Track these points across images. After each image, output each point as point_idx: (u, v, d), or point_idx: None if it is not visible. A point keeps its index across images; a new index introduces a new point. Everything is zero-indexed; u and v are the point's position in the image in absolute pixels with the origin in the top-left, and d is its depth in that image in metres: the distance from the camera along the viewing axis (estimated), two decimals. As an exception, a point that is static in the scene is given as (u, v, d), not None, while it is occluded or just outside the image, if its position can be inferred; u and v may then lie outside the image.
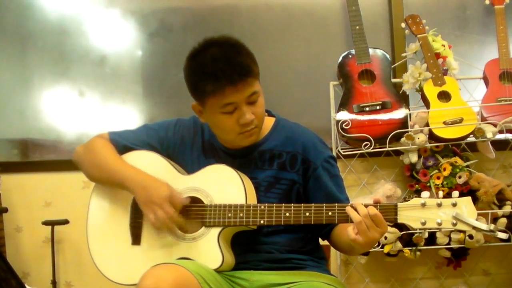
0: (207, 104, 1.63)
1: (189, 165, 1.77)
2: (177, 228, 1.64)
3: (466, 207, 1.45)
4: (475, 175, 2.52)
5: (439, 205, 1.46)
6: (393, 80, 2.65)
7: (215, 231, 1.63)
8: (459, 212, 1.44)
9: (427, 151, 2.56)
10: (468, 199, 1.47)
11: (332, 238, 1.74)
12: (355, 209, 1.50)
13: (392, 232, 2.42)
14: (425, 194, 1.50)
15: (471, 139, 2.48)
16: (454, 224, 1.44)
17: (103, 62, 2.92)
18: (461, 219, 1.43)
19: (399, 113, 2.51)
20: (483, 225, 1.41)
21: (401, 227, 2.42)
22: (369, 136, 2.45)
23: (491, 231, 1.41)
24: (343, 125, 2.48)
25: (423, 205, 1.47)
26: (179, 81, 2.80)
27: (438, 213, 1.46)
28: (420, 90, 2.55)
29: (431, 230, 2.39)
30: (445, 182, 2.49)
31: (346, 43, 2.80)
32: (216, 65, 1.58)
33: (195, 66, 1.63)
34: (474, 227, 1.42)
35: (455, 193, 1.48)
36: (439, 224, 1.45)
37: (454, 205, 1.45)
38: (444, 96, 2.49)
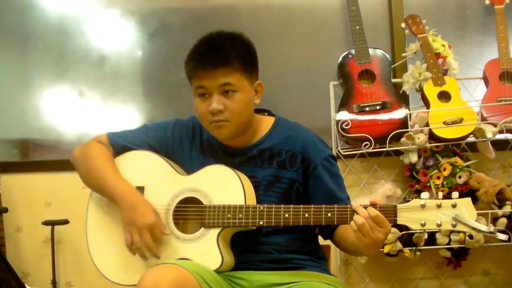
0: (191, 85, 1.70)
1: (188, 165, 1.77)
2: (150, 257, 1.64)
3: (466, 208, 1.44)
4: (475, 175, 2.52)
5: (439, 206, 1.46)
6: (393, 80, 2.65)
7: (215, 232, 1.63)
8: (459, 213, 1.44)
9: (427, 151, 2.55)
10: (468, 200, 1.46)
11: (336, 238, 1.74)
12: (355, 212, 1.50)
13: (392, 232, 2.41)
14: (424, 195, 1.50)
15: (471, 139, 2.48)
16: (454, 226, 1.44)
17: (103, 62, 2.92)
18: (461, 220, 1.43)
19: (399, 113, 2.51)
20: (483, 227, 1.40)
21: (401, 227, 2.41)
22: (369, 136, 2.44)
23: (490, 232, 1.40)
24: (343, 125, 2.48)
25: (423, 206, 1.47)
26: (179, 81, 2.84)
27: (438, 214, 1.45)
28: (420, 90, 2.54)
29: (431, 231, 2.40)
30: (445, 182, 2.48)
31: (346, 43, 2.80)
32: (198, 48, 1.67)
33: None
34: (474, 229, 1.41)
35: (455, 194, 1.48)
36: (439, 225, 1.45)
37: (454, 206, 1.45)
38: (444, 96, 2.49)
